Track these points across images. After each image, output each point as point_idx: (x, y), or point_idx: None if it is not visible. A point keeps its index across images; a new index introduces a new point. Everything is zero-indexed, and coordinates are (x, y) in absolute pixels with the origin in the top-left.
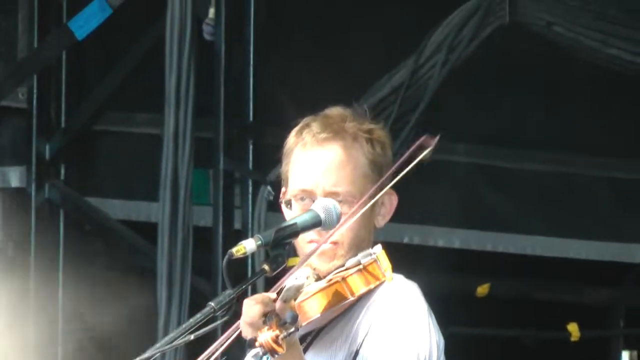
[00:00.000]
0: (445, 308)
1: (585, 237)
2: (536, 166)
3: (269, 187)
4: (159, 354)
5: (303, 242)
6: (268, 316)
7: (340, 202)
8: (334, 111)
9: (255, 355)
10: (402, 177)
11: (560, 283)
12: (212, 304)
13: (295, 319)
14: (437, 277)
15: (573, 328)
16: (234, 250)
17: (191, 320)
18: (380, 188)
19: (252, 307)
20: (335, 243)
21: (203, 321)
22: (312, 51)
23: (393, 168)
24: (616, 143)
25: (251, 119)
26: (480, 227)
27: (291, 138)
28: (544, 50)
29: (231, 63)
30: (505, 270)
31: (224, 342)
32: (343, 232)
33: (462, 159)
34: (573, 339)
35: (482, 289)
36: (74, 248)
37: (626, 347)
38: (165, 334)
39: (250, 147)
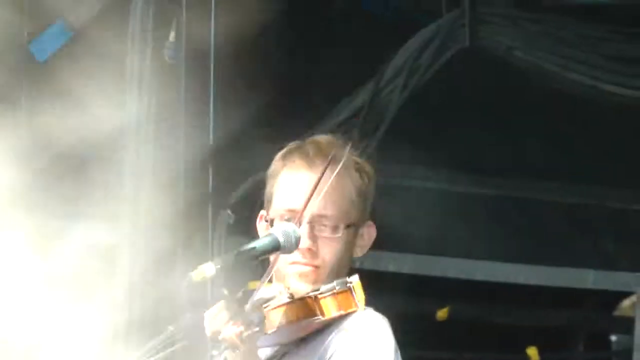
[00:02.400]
0: (406, 331)
1: (535, 262)
2: (490, 191)
3: (229, 211)
4: None
5: (284, 263)
6: (235, 314)
7: (324, 225)
8: (323, 138)
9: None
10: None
11: (520, 307)
12: (171, 327)
13: (261, 319)
14: (397, 301)
15: (532, 352)
16: (193, 274)
17: (151, 344)
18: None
19: (221, 306)
20: (317, 267)
21: (163, 345)
22: (272, 74)
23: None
24: (569, 168)
25: (212, 142)
26: (432, 252)
27: (278, 160)
28: (498, 74)
29: (191, 85)
30: (465, 294)
31: None
32: (325, 256)
33: (417, 183)
34: None
35: (442, 313)
36: None
37: None
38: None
39: (211, 170)
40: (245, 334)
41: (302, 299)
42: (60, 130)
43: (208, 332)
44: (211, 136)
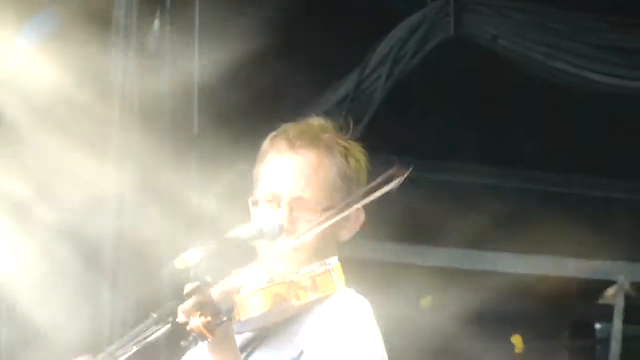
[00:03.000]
0: (389, 320)
1: (515, 250)
2: (470, 179)
3: (213, 198)
4: None
5: (264, 245)
6: (204, 304)
7: (302, 208)
8: (316, 120)
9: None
10: (365, 203)
11: (504, 295)
12: (154, 314)
13: (229, 309)
14: (380, 289)
15: (517, 340)
16: (176, 261)
17: (134, 330)
18: (341, 209)
19: (191, 294)
20: (295, 249)
21: (146, 331)
22: (257, 63)
23: (360, 191)
24: (547, 156)
25: (196, 131)
26: (411, 241)
27: (267, 142)
28: (485, 63)
29: (176, 76)
30: (449, 282)
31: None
32: (306, 239)
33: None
34: (517, 350)
35: (425, 301)
36: None
37: (571, 359)
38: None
39: (195, 158)
40: (214, 323)
41: (277, 284)
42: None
43: (180, 320)
44: (196, 125)
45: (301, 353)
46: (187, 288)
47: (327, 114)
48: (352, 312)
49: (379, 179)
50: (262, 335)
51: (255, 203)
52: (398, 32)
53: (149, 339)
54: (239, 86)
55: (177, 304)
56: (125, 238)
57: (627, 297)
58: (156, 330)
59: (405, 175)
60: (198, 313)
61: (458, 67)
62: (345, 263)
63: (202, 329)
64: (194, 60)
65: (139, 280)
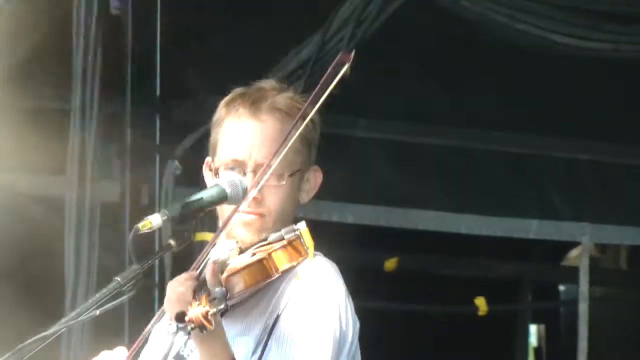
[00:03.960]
0: (354, 282)
1: (478, 212)
2: (435, 140)
3: (176, 162)
4: (65, 329)
5: (229, 212)
6: (197, 291)
7: (270, 173)
8: (267, 84)
9: (170, 332)
10: (325, 99)
11: (468, 258)
12: (118, 279)
13: (224, 294)
14: (345, 252)
15: (481, 302)
16: (140, 225)
17: (97, 295)
18: (304, 117)
19: (181, 283)
20: (261, 215)
21: (109, 296)
22: (219, 26)
23: (316, 90)
24: (514, 118)
25: (158, 93)
26: (375, 202)
27: (222, 108)
28: (448, 25)
29: (138, 37)
30: (414, 245)
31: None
32: (270, 204)
33: (362, 133)
34: (481, 313)
35: (390, 264)
36: None
37: (534, 321)
38: (73, 309)
39: (158, 121)
40: (212, 312)
41: (257, 261)
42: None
43: (171, 312)
44: (158, 87)
45: (277, 319)
46: (175, 280)
47: (291, 75)
48: (323, 277)
49: (329, 71)
50: (234, 304)
51: (215, 171)
52: None
53: (112, 304)
54: (202, 48)
55: (140, 267)
56: (88, 199)
57: (591, 259)
58: (119, 296)
59: (352, 57)
60: (196, 302)
61: (422, 28)
62: (312, 225)
63: (202, 319)
64: (156, 23)
65: (102, 232)
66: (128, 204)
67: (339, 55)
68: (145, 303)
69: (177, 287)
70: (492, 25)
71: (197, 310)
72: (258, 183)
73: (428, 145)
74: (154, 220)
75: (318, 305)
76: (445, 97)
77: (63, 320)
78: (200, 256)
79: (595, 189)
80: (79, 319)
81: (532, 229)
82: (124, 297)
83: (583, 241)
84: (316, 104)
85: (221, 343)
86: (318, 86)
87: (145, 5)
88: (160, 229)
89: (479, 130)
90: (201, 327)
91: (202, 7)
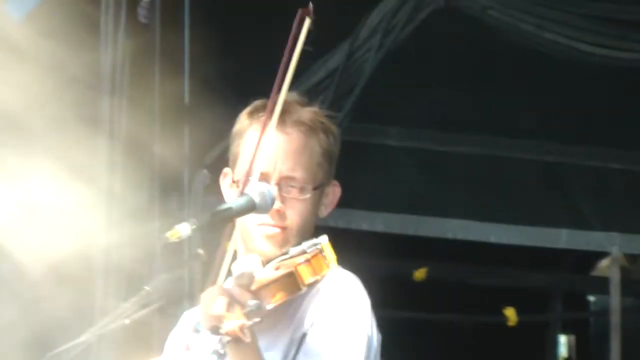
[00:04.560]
0: (383, 292)
1: (508, 221)
2: (465, 149)
3: (205, 171)
4: (94, 337)
5: (252, 224)
6: (231, 304)
7: (293, 187)
8: (289, 97)
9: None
10: (298, 57)
11: (498, 268)
12: (147, 288)
13: (259, 307)
14: (374, 261)
15: (510, 313)
16: (168, 234)
17: (127, 304)
18: (283, 73)
19: (215, 296)
20: (284, 228)
21: (139, 305)
22: (248, 34)
23: (286, 50)
24: (546, 127)
25: (187, 102)
26: (404, 211)
27: (244, 119)
28: (477, 34)
29: (166, 46)
30: (444, 254)
31: None
32: (293, 217)
33: (393, 142)
34: (510, 323)
35: (420, 273)
36: None
37: (563, 332)
38: (102, 317)
39: (186, 130)
40: (248, 324)
41: (285, 275)
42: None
43: (206, 324)
44: (187, 95)
45: (304, 336)
46: (209, 293)
47: (318, 85)
48: (348, 292)
49: (293, 31)
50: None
51: (236, 182)
52: (389, 3)
53: (140, 313)
54: (230, 56)
55: (169, 276)
56: (116, 208)
57: (621, 269)
58: (148, 304)
59: (311, 9)
60: (232, 315)
61: (451, 36)
62: (341, 234)
63: (238, 331)
64: (184, 31)
65: (132, 242)
66: (158, 213)
67: (299, 12)
68: (174, 312)
69: (211, 300)
70: (520, 34)
71: (233, 323)
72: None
73: (458, 154)
74: (182, 230)
75: (346, 319)
76: (475, 106)
77: (92, 328)
78: (217, 266)
79: (625, 199)
80: (109, 327)
81: (562, 238)
82: (154, 306)
83: (613, 251)
84: (287, 70)
85: (254, 353)
86: (285, 51)
87: (174, 13)
88: (189, 238)
89: (509, 139)
90: (237, 340)
91: (231, 15)
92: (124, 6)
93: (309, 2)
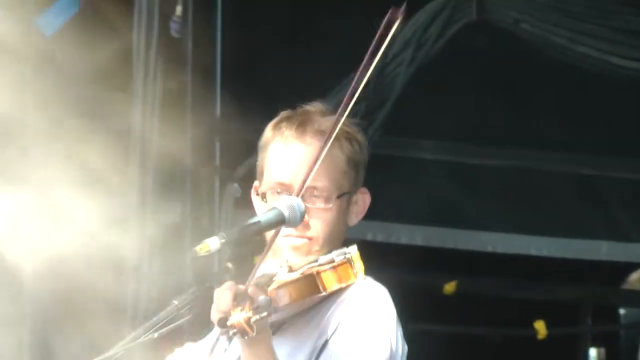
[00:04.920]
0: (413, 305)
1: (547, 234)
2: (500, 162)
3: (236, 185)
4: (123, 351)
5: (278, 236)
6: (241, 298)
7: (316, 196)
8: (313, 107)
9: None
10: (382, 54)
11: (528, 281)
12: (175, 302)
13: (268, 302)
14: (405, 274)
15: (540, 326)
16: (198, 248)
17: (156, 318)
18: (364, 71)
19: (226, 290)
20: (310, 238)
21: (168, 319)
22: (279, 48)
23: (371, 47)
24: (581, 140)
25: (219, 115)
26: (443, 224)
27: (268, 131)
28: (509, 47)
29: (198, 60)
30: (473, 268)
31: None
32: (318, 228)
33: (428, 155)
34: (540, 336)
35: (450, 287)
36: None
37: (594, 345)
38: (133, 331)
39: (218, 143)
40: (254, 319)
41: (305, 275)
42: (71, 104)
43: (215, 318)
44: (218, 109)
45: (326, 342)
46: (220, 289)
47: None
48: (373, 301)
49: (381, 29)
50: (283, 323)
51: (262, 196)
52: (421, 16)
53: (169, 327)
54: (262, 70)
55: (199, 290)
56: (148, 223)
57: None
58: (178, 318)
59: (404, 11)
60: (239, 309)
61: (482, 50)
62: (370, 246)
63: (244, 324)
64: (216, 45)
65: (163, 254)
66: (189, 226)
67: (389, 13)
68: (203, 326)
69: (222, 293)
70: (552, 47)
71: (239, 316)
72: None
73: (492, 167)
74: (211, 244)
75: (369, 328)
76: (509, 118)
77: (121, 342)
78: (251, 274)
79: None
80: (138, 341)
81: (602, 250)
82: (183, 320)
83: None
84: (370, 66)
85: (266, 349)
86: (371, 47)
87: (206, 28)
88: (219, 251)
89: (544, 152)
90: (243, 333)
91: (263, 30)
92: (156, 20)
93: (402, 2)
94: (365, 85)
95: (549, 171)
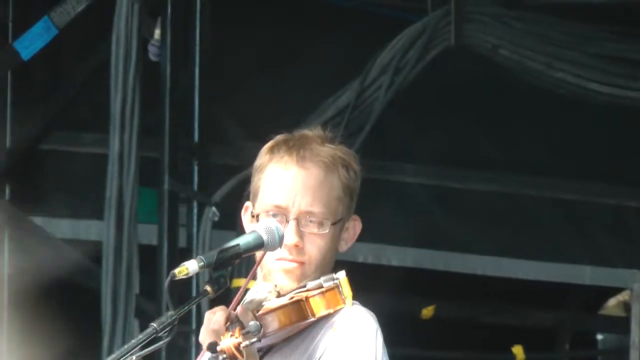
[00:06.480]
0: (390, 329)
1: (533, 257)
2: (484, 186)
3: (214, 209)
4: None
5: (271, 258)
6: (231, 324)
7: (312, 222)
8: (311, 132)
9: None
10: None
11: (506, 306)
12: (154, 324)
13: (258, 328)
14: (382, 298)
15: (518, 350)
16: (176, 271)
17: (134, 340)
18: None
19: (215, 314)
20: (302, 263)
21: (146, 342)
22: (257, 72)
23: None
24: (562, 164)
25: (196, 139)
26: (433, 247)
27: (265, 154)
28: (489, 72)
29: (177, 84)
30: (451, 292)
31: None
32: (311, 253)
33: (411, 179)
34: None
35: (428, 311)
36: (18, 267)
37: None
38: (110, 353)
39: (195, 167)
40: (244, 344)
41: (294, 301)
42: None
43: (204, 343)
44: (196, 133)
45: None
46: (210, 312)
47: (329, 122)
48: (362, 327)
49: None
50: (272, 348)
51: (255, 217)
52: (399, 42)
53: (148, 350)
54: (240, 95)
55: (177, 314)
56: (125, 242)
57: (625, 306)
58: (155, 341)
59: None
60: (229, 334)
61: (461, 75)
62: (349, 269)
63: (234, 350)
64: (194, 69)
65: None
66: (166, 249)
67: None
68: (181, 349)
69: (212, 319)
70: (530, 73)
71: (229, 341)
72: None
73: (477, 191)
74: (190, 267)
75: (355, 353)
76: (492, 143)
77: None
78: (237, 296)
79: None
80: None
81: (586, 275)
82: (160, 343)
83: (635, 288)
84: None
85: None
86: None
87: (184, 52)
88: (197, 274)
89: (528, 176)
90: (232, 358)
91: (240, 54)
92: (134, 44)
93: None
94: (343, 111)
95: (534, 195)
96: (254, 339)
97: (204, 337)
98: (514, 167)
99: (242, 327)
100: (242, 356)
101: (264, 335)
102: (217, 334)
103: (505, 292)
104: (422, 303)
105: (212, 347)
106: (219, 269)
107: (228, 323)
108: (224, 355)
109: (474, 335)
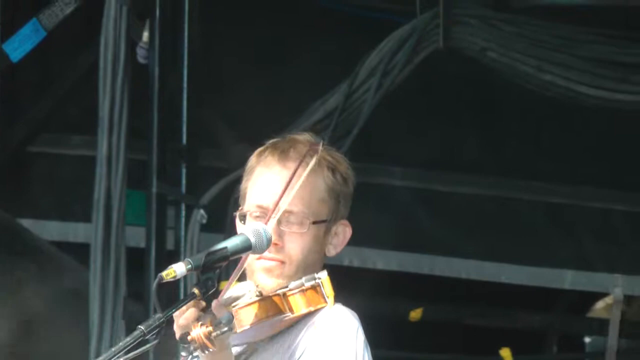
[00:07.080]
0: (378, 331)
1: (516, 261)
2: (471, 190)
3: (202, 211)
4: None
5: (251, 258)
6: (203, 315)
7: (291, 222)
8: (302, 136)
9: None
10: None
11: (494, 308)
12: (142, 327)
13: (230, 319)
14: (370, 301)
15: (506, 353)
16: (164, 273)
17: (121, 343)
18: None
19: (189, 307)
20: (282, 261)
21: (133, 344)
22: (246, 74)
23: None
24: (550, 167)
25: (184, 142)
26: (419, 251)
27: (253, 157)
28: (477, 75)
29: (165, 86)
30: (439, 295)
31: None
32: (291, 251)
33: (398, 182)
34: None
35: (415, 314)
36: (4, 270)
37: None
38: (97, 356)
39: (184, 169)
40: (214, 334)
41: (271, 296)
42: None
43: (177, 333)
44: (184, 136)
45: None
46: (190, 303)
47: (317, 124)
48: (343, 325)
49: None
50: (254, 348)
51: (242, 218)
52: (388, 44)
53: (136, 352)
54: (228, 97)
55: (164, 316)
56: (113, 245)
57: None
58: (143, 344)
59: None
60: (200, 323)
61: (449, 78)
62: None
63: (204, 339)
64: (182, 71)
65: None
66: (154, 251)
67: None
68: (169, 352)
69: (185, 310)
70: (519, 76)
71: (199, 331)
72: (281, 230)
73: (464, 194)
74: (178, 269)
75: (335, 351)
76: (479, 146)
77: None
78: (219, 297)
79: (628, 240)
80: None
81: (567, 279)
82: (148, 346)
83: (615, 293)
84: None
85: None
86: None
87: (172, 54)
88: (185, 277)
89: (513, 179)
90: (203, 347)
91: (228, 56)
92: (122, 47)
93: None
94: (331, 113)
95: (519, 199)
96: (225, 329)
97: (177, 329)
98: (501, 170)
99: (214, 317)
100: (213, 345)
101: (239, 326)
102: (187, 322)
103: (493, 295)
104: (409, 305)
105: (184, 337)
106: (206, 272)
107: (200, 315)
108: (195, 345)
109: (462, 338)
